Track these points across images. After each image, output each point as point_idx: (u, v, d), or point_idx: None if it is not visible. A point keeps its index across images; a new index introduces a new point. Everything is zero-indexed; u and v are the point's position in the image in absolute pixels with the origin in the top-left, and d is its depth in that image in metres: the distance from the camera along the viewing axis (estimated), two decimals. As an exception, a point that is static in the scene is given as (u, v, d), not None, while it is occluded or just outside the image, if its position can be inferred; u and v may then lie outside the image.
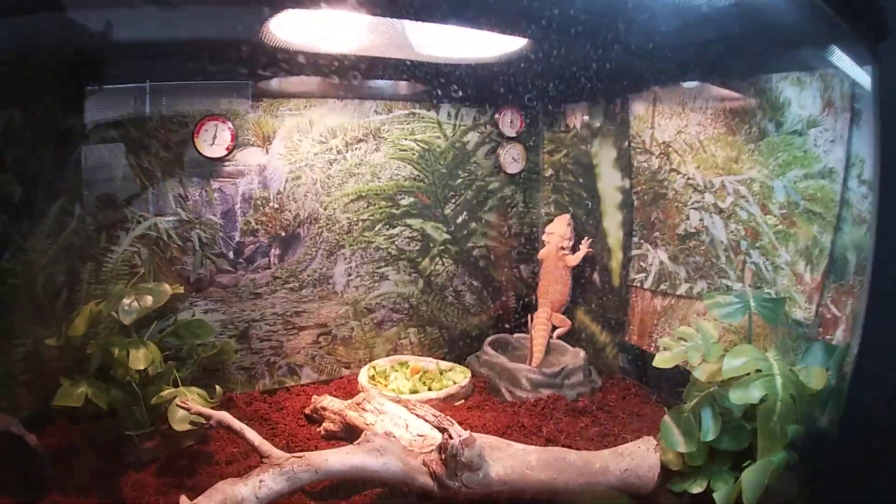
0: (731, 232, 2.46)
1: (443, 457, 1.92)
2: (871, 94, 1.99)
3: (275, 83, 2.71)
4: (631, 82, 2.81)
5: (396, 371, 2.91)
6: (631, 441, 2.13)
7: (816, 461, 2.06)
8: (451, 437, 1.90)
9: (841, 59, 2.08)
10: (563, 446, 2.26)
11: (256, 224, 2.74)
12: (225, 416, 1.99)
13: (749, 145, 2.37)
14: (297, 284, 2.87)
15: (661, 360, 2.11)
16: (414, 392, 2.71)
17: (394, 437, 2.12)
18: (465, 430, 1.95)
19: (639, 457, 2.01)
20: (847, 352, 2.03)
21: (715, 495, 1.88)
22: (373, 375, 2.85)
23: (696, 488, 1.97)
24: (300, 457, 1.87)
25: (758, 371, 1.83)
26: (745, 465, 1.82)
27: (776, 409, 1.75)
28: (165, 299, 2.26)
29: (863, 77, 2.03)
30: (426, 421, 2.02)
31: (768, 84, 2.29)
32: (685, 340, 2.12)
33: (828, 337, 2.17)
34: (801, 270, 2.24)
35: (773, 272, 2.33)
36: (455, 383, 2.78)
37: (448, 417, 1.98)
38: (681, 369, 2.54)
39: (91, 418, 2.13)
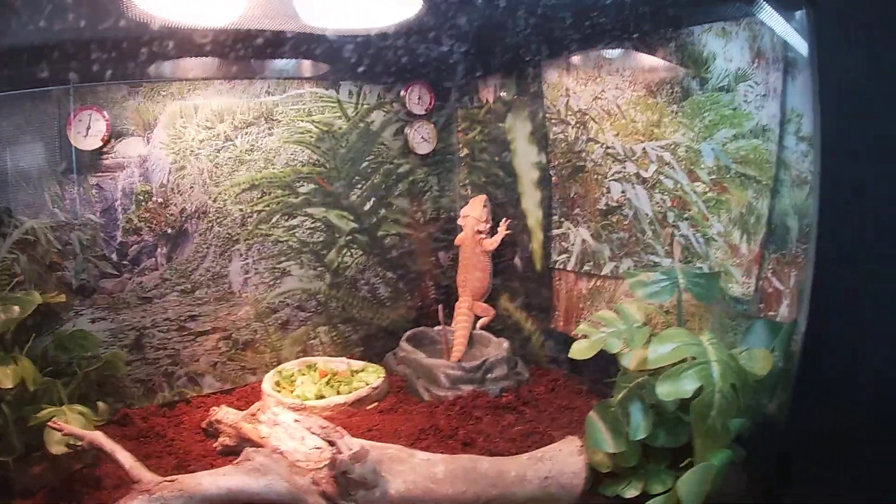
0: (657, 203, 2.29)
1: (333, 474, 1.69)
2: (807, 40, 1.80)
3: (154, 65, 2.44)
4: (543, 47, 2.60)
5: (304, 375, 2.67)
6: (555, 441, 1.92)
7: (767, 453, 1.89)
8: (339, 451, 1.67)
9: (771, 3, 1.89)
10: (481, 449, 2.08)
11: (139, 221, 2.49)
12: (97, 436, 1.83)
13: (672, 107, 2.20)
14: (189, 286, 2.61)
15: (578, 350, 1.90)
16: (320, 397, 2.48)
17: (280, 452, 1.89)
18: (370, 440, 1.76)
19: (560, 461, 1.80)
20: (794, 329, 1.84)
21: (651, 504, 1.67)
22: (278, 381, 2.61)
23: (631, 492, 1.78)
24: (172, 481, 1.67)
25: (691, 358, 1.62)
26: (683, 464, 1.63)
27: (714, 402, 1.54)
28: (33, 308, 2.07)
29: (797, 22, 1.84)
30: (312, 433, 1.79)
31: (690, 38, 2.11)
32: (606, 326, 1.91)
33: (771, 314, 2.00)
34: (736, 241, 2.07)
35: (704, 245, 2.15)
36: (367, 384, 2.55)
37: (338, 428, 1.75)
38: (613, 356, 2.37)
39: None
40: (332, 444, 1.72)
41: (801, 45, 1.86)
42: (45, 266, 2.33)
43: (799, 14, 1.82)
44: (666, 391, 1.57)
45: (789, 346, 1.85)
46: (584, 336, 1.92)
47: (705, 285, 1.95)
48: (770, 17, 1.92)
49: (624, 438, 1.77)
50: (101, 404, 2.18)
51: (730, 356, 1.65)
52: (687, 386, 1.56)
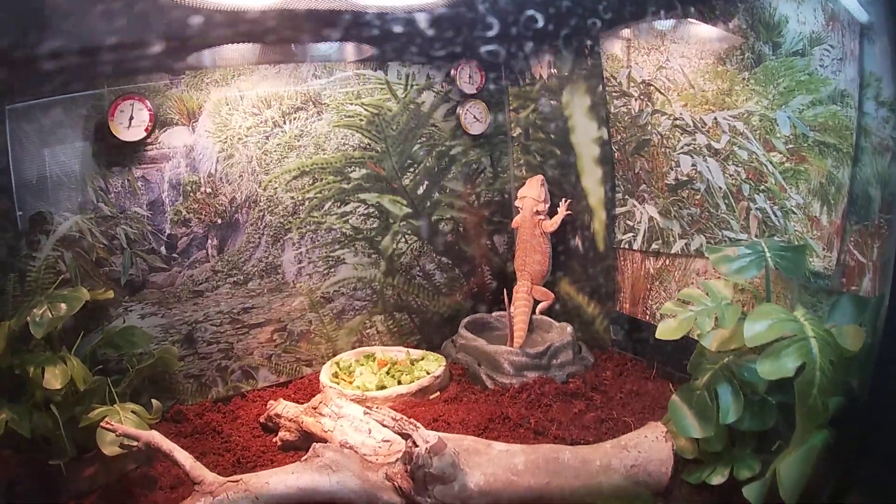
0: (730, 176, 2.17)
1: (408, 468, 1.61)
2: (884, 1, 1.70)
3: (196, 52, 2.38)
4: (600, 18, 2.47)
5: (362, 365, 2.61)
6: (634, 428, 1.83)
7: (853, 435, 1.77)
8: (415, 444, 1.59)
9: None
10: (554, 438, 2.01)
11: (188, 213, 2.44)
12: (154, 435, 1.76)
13: (743, 74, 2.08)
14: (241, 277, 2.56)
15: (666, 331, 1.79)
16: (381, 388, 2.42)
17: (349, 447, 1.82)
18: (436, 430, 1.68)
19: (647, 448, 1.71)
20: (881, 303, 1.72)
21: (745, 490, 1.56)
22: (336, 372, 2.55)
23: (717, 478, 1.70)
24: (236, 481, 1.61)
25: (788, 337, 1.51)
26: (774, 448, 1.53)
27: (815, 380, 1.43)
28: (81, 305, 2.01)
29: None
30: (385, 426, 1.71)
31: (760, 1, 1.98)
32: (691, 304, 1.80)
33: (853, 288, 1.88)
34: (816, 213, 1.95)
35: (782, 218, 2.04)
36: (428, 374, 2.49)
37: (411, 420, 1.67)
38: (683, 337, 2.26)
39: (34, 446, 1.93)
40: (406, 436, 1.65)
41: (875, 6, 1.77)
42: (91, 262, 2.29)
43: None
44: (767, 370, 1.46)
45: (877, 320, 1.73)
46: (671, 315, 1.81)
47: (792, 258, 1.83)
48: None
49: (711, 423, 1.68)
50: (154, 402, 2.13)
51: (826, 332, 1.55)
52: (789, 364, 1.45)
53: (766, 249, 1.78)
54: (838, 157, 1.87)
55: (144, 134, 2.28)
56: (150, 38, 2.20)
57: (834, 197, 1.90)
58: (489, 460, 1.69)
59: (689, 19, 2.23)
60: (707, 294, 1.81)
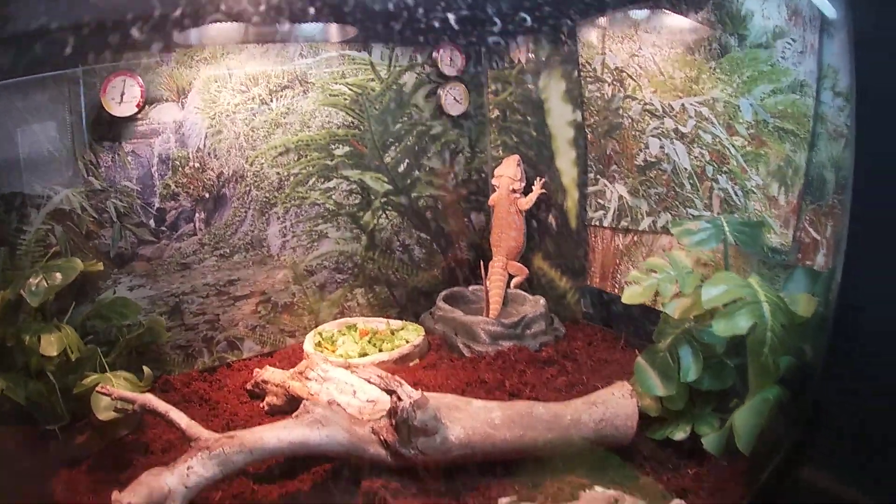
0: (695, 157, 2.31)
1: (393, 422, 1.72)
2: None
3: (187, 30, 2.42)
4: (580, 7, 2.60)
5: (344, 335, 2.72)
6: (603, 388, 1.95)
7: (806, 395, 1.93)
8: (400, 399, 1.70)
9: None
10: (529, 399, 2.10)
11: (177, 187, 2.50)
12: (149, 398, 1.83)
13: (710, 63, 2.21)
14: (227, 250, 2.63)
15: (630, 296, 1.94)
16: (364, 355, 2.53)
17: (337, 405, 1.92)
18: (418, 390, 1.76)
19: (614, 405, 1.84)
20: (833, 276, 1.88)
21: (704, 441, 1.72)
22: (319, 342, 2.65)
23: (680, 434, 1.84)
24: (231, 437, 1.67)
25: (741, 300, 1.65)
26: (732, 405, 1.68)
27: (766, 339, 1.58)
28: (75, 275, 2.07)
29: None
30: (371, 383, 1.82)
31: (727, -5, 2.11)
32: (655, 272, 1.94)
33: (808, 263, 2.03)
34: (774, 193, 2.09)
35: (743, 197, 2.18)
36: (408, 342, 2.60)
37: (396, 378, 1.77)
38: (649, 310, 2.41)
39: (23, 415, 1.99)
40: (391, 392, 1.75)
41: (836, 3, 1.89)
42: (81, 235, 2.33)
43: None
44: (722, 328, 1.61)
45: (828, 292, 1.89)
46: (635, 282, 1.96)
47: (749, 233, 1.99)
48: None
49: (673, 381, 1.82)
50: (145, 369, 2.18)
51: (778, 297, 1.70)
52: (742, 323, 1.60)
53: (724, 224, 1.93)
54: (796, 142, 2.01)
55: (136, 110, 2.32)
56: (141, 15, 2.20)
57: (791, 179, 2.04)
58: (468, 415, 1.80)
59: (662, 10, 2.34)
60: (670, 263, 1.95)
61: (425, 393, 1.78)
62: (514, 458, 1.80)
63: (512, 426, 1.78)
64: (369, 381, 1.84)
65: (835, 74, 1.91)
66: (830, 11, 1.91)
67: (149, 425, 2.12)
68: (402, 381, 1.78)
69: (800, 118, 1.99)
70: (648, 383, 1.85)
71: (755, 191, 2.14)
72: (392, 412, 1.75)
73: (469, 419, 1.79)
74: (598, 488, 1.54)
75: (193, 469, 1.58)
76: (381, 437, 1.76)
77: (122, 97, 2.30)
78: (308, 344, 2.59)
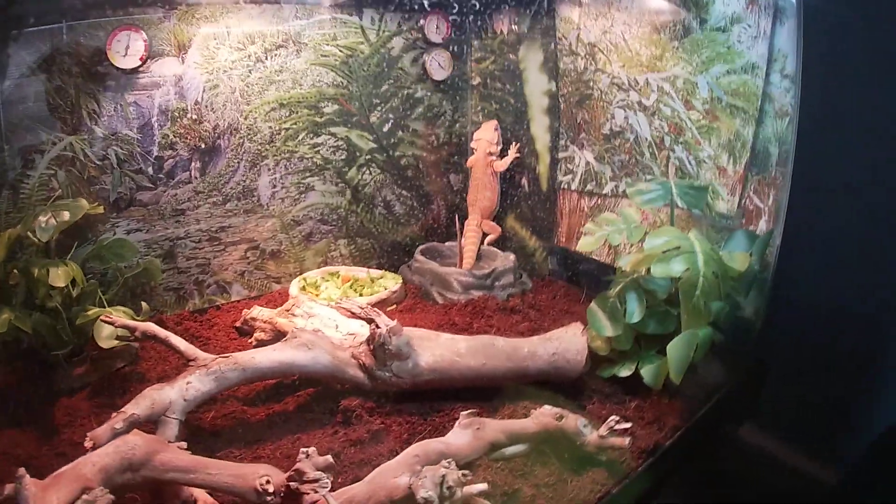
0: (656, 128, 2.51)
1: (371, 347, 1.93)
2: None
3: None
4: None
5: (327, 281, 2.90)
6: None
7: (741, 346, 2.15)
8: (378, 326, 1.90)
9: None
10: None
11: (175, 137, 2.61)
12: (150, 325, 1.96)
13: (673, 43, 2.40)
14: (220, 198, 2.77)
15: (584, 244, 2.17)
16: (346, 299, 2.68)
17: (322, 333, 2.10)
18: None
19: (566, 341, 2.05)
20: (769, 239, 2.11)
21: (643, 373, 1.95)
22: (303, 287, 2.82)
23: (625, 372, 2.06)
24: (227, 357, 1.85)
25: (678, 249, 1.87)
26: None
27: (698, 283, 1.80)
28: (82, 213, 2.16)
29: None
30: (352, 314, 2.02)
31: (693, -19, 2.30)
32: (608, 225, 2.16)
33: (751, 227, 2.25)
34: (723, 164, 2.31)
35: (696, 166, 2.39)
36: (386, 289, 2.79)
37: (375, 308, 1.98)
38: (610, 268, 2.62)
39: (21, 348, 2.09)
40: (370, 321, 1.95)
41: None
42: (83, 180, 2.41)
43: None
44: (659, 270, 1.84)
45: (764, 253, 2.12)
46: (589, 233, 2.17)
47: (694, 195, 2.21)
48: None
49: (621, 323, 2.04)
50: (143, 304, 2.33)
51: (712, 249, 1.92)
52: (675, 266, 1.83)
53: (673, 186, 2.15)
54: (745, 119, 2.22)
55: (139, 63, 2.42)
56: None
57: (739, 151, 2.26)
58: (437, 345, 2.01)
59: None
60: (621, 218, 2.17)
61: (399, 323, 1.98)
62: (476, 384, 2.01)
63: (475, 355, 1.99)
64: (351, 312, 2.04)
65: (784, 58, 2.12)
66: (783, 1, 2.11)
67: (144, 359, 2.26)
68: (380, 312, 1.98)
69: (749, 97, 2.20)
70: (598, 325, 2.07)
71: (707, 161, 2.35)
72: (370, 338, 1.94)
73: (438, 348, 2.00)
74: (547, 407, 1.76)
75: (192, 384, 1.75)
76: (361, 361, 1.96)
77: (127, 50, 2.38)
78: (293, 288, 2.76)
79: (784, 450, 2.30)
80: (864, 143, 2.09)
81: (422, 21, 3.10)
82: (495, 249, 3.08)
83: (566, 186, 2.94)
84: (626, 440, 1.66)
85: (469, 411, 1.68)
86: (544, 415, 1.72)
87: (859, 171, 2.09)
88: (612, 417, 1.68)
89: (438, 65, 3.19)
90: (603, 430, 1.67)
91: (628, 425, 1.67)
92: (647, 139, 2.55)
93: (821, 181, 2.13)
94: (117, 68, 2.40)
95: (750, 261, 2.01)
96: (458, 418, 1.74)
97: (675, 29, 2.39)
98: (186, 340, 2.36)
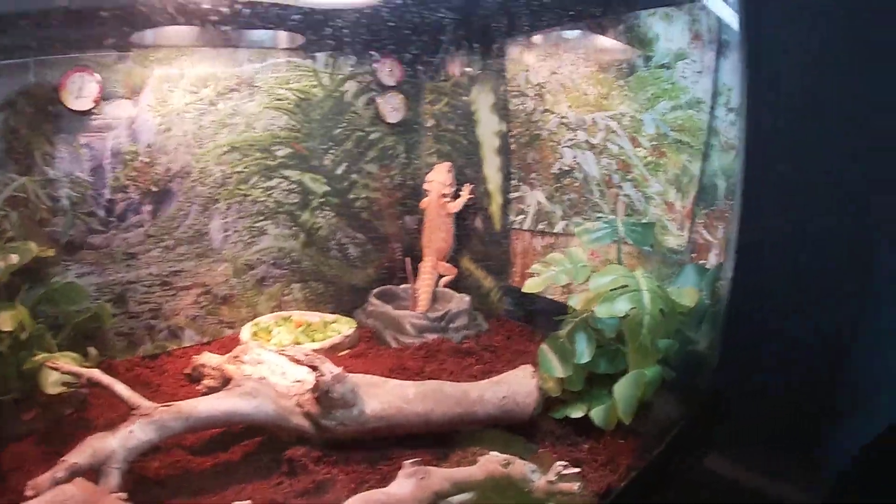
0: (604, 167, 2.54)
1: (316, 395, 1.89)
2: (739, 24, 2.06)
3: (145, 31, 2.54)
4: (507, 26, 2.82)
5: (280, 326, 2.85)
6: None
7: (695, 379, 2.15)
8: (322, 373, 1.87)
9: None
10: None
11: (127, 180, 2.58)
12: (94, 372, 1.93)
13: (619, 81, 2.44)
14: (172, 242, 2.73)
15: (531, 285, 2.16)
16: (297, 344, 2.66)
17: (267, 380, 2.06)
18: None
19: (516, 384, 2.03)
20: (719, 272, 2.12)
21: (592, 414, 1.93)
22: (255, 332, 2.77)
23: (577, 412, 2.03)
24: (169, 405, 1.81)
25: (624, 287, 1.87)
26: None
27: (644, 322, 1.79)
28: (31, 257, 2.15)
29: (730, 8, 2.11)
30: (296, 361, 1.98)
31: (637, 21, 2.35)
32: (554, 266, 2.16)
33: (702, 262, 2.26)
34: (672, 199, 2.33)
35: (644, 203, 2.41)
36: (339, 333, 2.75)
37: (320, 356, 1.94)
38: (563, 307, 2.61)
39: None
40: (315, 368, 1.91)
41: (733, 28, 2.12)
42: (34, 222, 2.37)
43: (733, 1, 2.09)
44: (604, 310, 1.83)
45: (715, 287, 2.13)
46: (536, 274, 2.17)
47: (641, 232, 2.22)
48: (708, 3, 2.18)
49: (571, 364, 2.02)
50: (91, 350, 2.26)
51: (659, 287, 1.92)
52: (620, 306, 1.82)
53: (619, 224, 2.16)
54: (692, 153, 2.25)
55: (92, 104, 2.41)
56: (103, 13, 2.31)
57: (686, 186, 2.28)
58: (385, 391, 1.97)
59: (580, 32, 2.58)
60: (567, 258, 2.17)
61: (343, 369, 1.94)
62: (425, 431, 1.97)
63: (424, 401, 1.96)
64: (295, 359, 2.00)
65: (728, 92, 2.15)
66: (727, 35, 2.15)
67: (93, 405, 2.19)
68: (326, 359, 1.94)
69: (695, 132, 2.23)
70: (549, 365, 2.05)
71: (655, 197, 2.37)
72: (315, 386, 1.90)
73: (385, 395, 1.96)
74: (494, 453, 1.73)
75: (134, 433, 1.69)
76: (305, 409, 1.91)
77: (80, 92, 2.38)
78: (245, 333, 2.71)
79: (745, 477, 2.31)
80: (811, 174, 2.11)
81: (375, 64, 3.14)
82: (451, 291, 3.06)
83: (519, 226, 2.95)
84: (576, 485, 1.64)
85: (413, 460, 1.64)
86: (491, 461, 1.69)
87: (807, 201, 2.11)
88: (559, 463, 1.65)
89: (392, 107, 3.21)
90: (551, 475, 1.65)
91: (577, 470, 1.64)
92: (595, 178, 2.57)
93: (769, 212, 2.17)
94: (70, 110, 2.39)
95: (700, 295, 2.02)
96: (405, 465, 1.71)
97: (621, 67, 2.43)
98: (136, 387, 2.30)
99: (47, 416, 2.10)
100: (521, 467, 1.67)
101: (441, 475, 1.65)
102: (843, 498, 1.95)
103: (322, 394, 1.87)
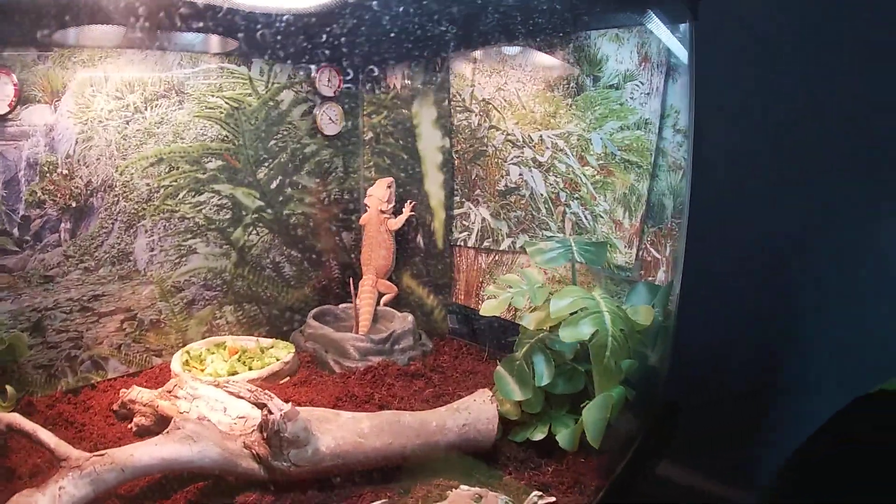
0: (551, 185, 2.53)
1: (265, 435, 1.76)
2: (688, 48, 2.12)
3: (67, 29, 2.31)
4: (452, 41, 2.77)
5: (213, 354, 2.67)
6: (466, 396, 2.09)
7: (651, 394, 2.17)
8: (270, 411, 1.74)
9: (659, 16, 2.18)
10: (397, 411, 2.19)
11: (43, 194, 2.35)
12: (15, 417, 1.74)
13: (567, 100, 2.44)
14: (92, 263, 2.51)
15: (488, 308, 2.12)
16: (233, 374, 2.50)
17: (208, 421, 1.91)
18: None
19: (476, 410, 1.97)
20: (670, 290, 2.14)
21: (558, 437, 1.90)
22: (186, 361, 2.59)
23: (538, 435, 2.00)
24: (102, 454, 1.63)
25: (585, 309, 1.85)
26: (583, 405, 1.85)
27: (608, 344, 1.78)
28: None
29: (680, 33, 2.16)
30: (241, 398, 1.84)
31: (587, 41, 2.36)
32: (510, 287, 2.12)
33: (650, 279, 2.28)
34: (619, 217, 2.34)
35: (592, 221, 2.41)
36: (278, 360, 2.61)
37: (266, 392, 1.81)
38: (509, 324, 2.59)
39: None
40: (262, 406, 1.77)
41: (681, 52, 2.17)
42: None
43: (683, 26, 2.14)
44: (567, 334, 1.80)
45: (667, 304, 2.15)
46: (492, 296, 2.12)
47: (595, 252, 2.22)
48: (657, 27, 2.22)
49: (529, 387, 1.98)
50: (9, 388, 2.06)
51: (618, 307, 1.91)
52: (584, 329, 1.80)
53: (573, 244, 2.15)
54: (639, 173, 2.27)
55: (7, 109, 2.19)
56: (22, 7, 2.11)
57: (634, 205, 2.30)
58: (338, 426, 1.85)
59: (528, 49, 2.56)
60: (523, 279, 2.14)
61: (293, 405, 1.83)
62: (384, 465, 1.87)
63: (381, 434, 1.86)
64: (239, 396, 1.86)
65: (676, 114, 2.18)
66: (676, 58, 2.18)
67: (12, 450, 1.97)
68: (273, 395, 1.81)
69: (643, 152, 2.25)
70: (507, 389, 2.01)
71: (603, 215, 2.38)
72: (263, 425, 1.76)
73: (339, 430, 1.84)
74: (464, 487, 1.66)
75: (65, 489, 1.53)
76: (254, 451, 1.77)
77: None
78: (175, 363, 2.53)
79: (701, 481, 2.40)
80: (756, 192, 2.24)
81: (313, 73, 3.02)
82: (392, 310, 2.98)
83: (462, 243, 2.89)
84: (552, 514, 1.59)
85: (381, 501, 1.54)
86: (461, 497, 1.62)
87: (750, 220, 2.25)
88: (535, 493, 1.60)
89: (330, 119, 3.10)
90: (525, 506, 1.59)
91: (552, 500, 1.59)
92: (542, 195, 2.55)
93: (714, 230, 2.23)
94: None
95: (654, 313, 2.02)
96: (366, 504, 1.61)
97: (569, 87, 2.43)
98: (60, 427, 2.17)
99: (-41, 466, 1.88)
100: (494, 500, 1.60)
101: (411, 514, 1.57)
102: (781, 498, 2.01)
103: (272, 433, 1.74)
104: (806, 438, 1.87)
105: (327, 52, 2.95)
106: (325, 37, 2.72)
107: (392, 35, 2.71)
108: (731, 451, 2.34)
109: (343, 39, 2.79)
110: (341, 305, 3.09)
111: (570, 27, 2.38)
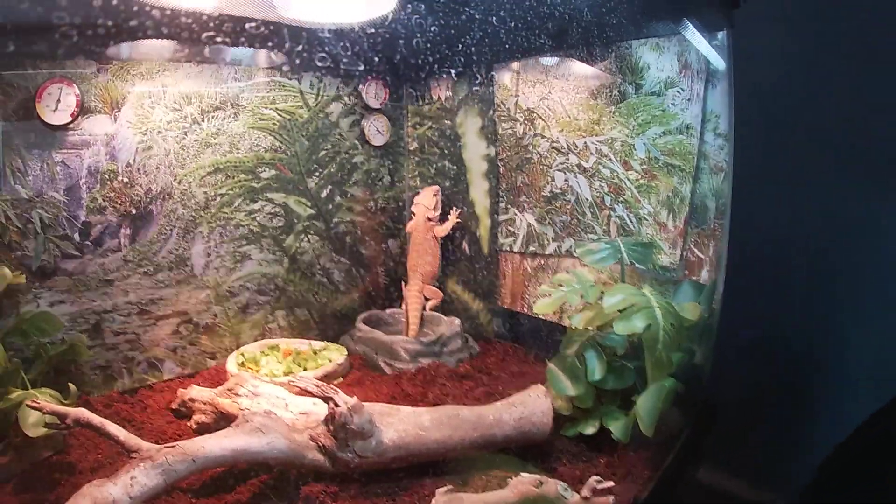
0: (596, 189, 2.58)
1: (331, 428, 1.81)
2: (726, 55, 2.18)
3: (126, 43, 2.43)
4: (497, 52, 2.85)
5: (267, 355, 2.75)
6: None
7: (696, 390, 2.20)
8: (337, 405, 1.79)
9: (697, 25, 2.24)
10: None
11: (104, 201, 2.45)
12: (82, 412, 1.76)
13: (610, 108, 2.49)
14: (151, 268, 2.61)
15: (542, 306, 2.17)
16: (288, 374, 2.57)
17: (275, 414, 1.97)
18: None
19: (531, 404, 2.02)
20: (714, 288, 2.18)
21: (613, 429, 1.94)
22: (242, 362, 2.66)
23: (590, 429, 2.04)
24: (173, 446, 1.67)
25: (636, 305, 1.91)
26: (634, 397, 1.89)
27: (660, 337, 1.83)
28: (4, 285, 2.03)
29: (718, 40, 2.22)
30: (308, 392, 1.89)
31: (628, 50, 2.42)
32: (563, 286, 2.18)
33: (694, 278, 2.32)
34: (664, 219, 2.38)
35: (637, 223, 2.46)
36: (331, 361, 2.68)
37: (332, 385, 1.87)
38: (554, 327, 2.64)
39: None
40: (327, 399, 1.82)
41: (720, 59, 2.23)
42: (3, 245, 2.23)
43: (720, 34, 2.20)
44: (622, 328, 1.86)
45: (711, 302, 2.19)
46: (546, 295, 2.18)
47: (642, 252, 2.28)
48: (694, 35, 2.28)
49: (582, 382, 2.03)
50: (71, 386, 2.08)
51: (668, 303, 1.96)
52: (638, 323, 1.85)
53: (621, 245, 2.21)
54: (682, 176, 2.32)
55: (70, 119, 2.28)
56: (82, 23, 2.18)
57: (678, 207, 2.34)
58: (399, 419, 1.90)
59: (570, 59, 2.62)
60: (575, 279, 2.19)
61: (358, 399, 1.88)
62: (443, 457, 1.92)
63: (440, 427, 1.91)
64: (306, 390, 1.91)
65: (716, 119, 2.24)
66: (715, 65, 2.24)
67: (73, 446, 2.04)
68: (338, 389, 1.87)
69: (685, 155, 2.30)
70: (560, 385, 2.05)
71: (647, 218, 2.42)
72: (329, 418, 1.81)
73: (401, 423, 1.89)
74: (524, 474, 1.70)
75: (137, 479, 1.57)
76: (320, 443, 1.82)
77: (58, 105, 2.25)
78: (231, 364, 2.60)
79: (738, 482, 2.42)
80: (795, 193, 2.27)
81: (361, 86, 3.12)
82: (438, 314, 3.04)
83: (507, 248, 2.95)
84: (610, 499, 1.63)
85: (446, 488, 1.60)
86: (522, 483, 1.66)
87: (791, 220, 2.29)
88: (594, 478, 1.64)
89: (377, 130, 3.20)
90: (585, 491, 1.63)
91: (610, 484, 1.63)
92: (587, 199, 2.61)
93: (756, 230, 2.27)
94: (46, 124, 2.25)
95: (700, 310, 2.06)
96: (427, 495, 1.66)
97: (612, 94, 2.48)
98: (118, 424, 2.17)
99: (24, 461, 1.94)
100: (554, 486, 1.65)
101: (474, 501, 1.62)
102: (820, 496, 2.02)
103: (338, 426, 1.80)
104: (845, 437, 1.88)
105: (374, 65, 3.05)
106: (371, 51, 2.81)
107: (436, 48, 2.79)
108: (768, 449, 2.36)
109: (389, 53, 2.88)
110: (388, 310, 3.17)
111: (612, 37, 2.44)
